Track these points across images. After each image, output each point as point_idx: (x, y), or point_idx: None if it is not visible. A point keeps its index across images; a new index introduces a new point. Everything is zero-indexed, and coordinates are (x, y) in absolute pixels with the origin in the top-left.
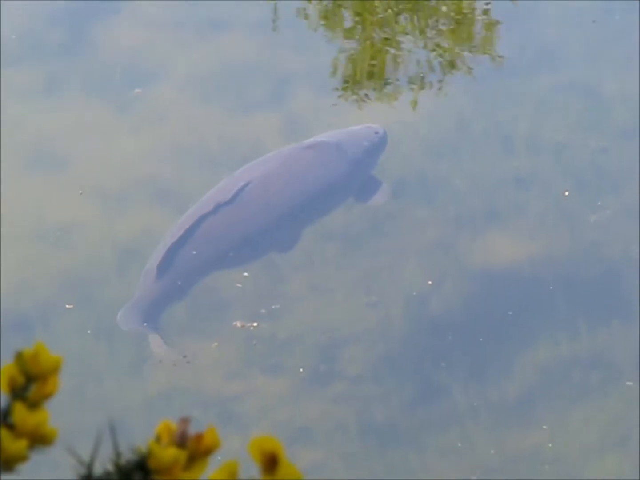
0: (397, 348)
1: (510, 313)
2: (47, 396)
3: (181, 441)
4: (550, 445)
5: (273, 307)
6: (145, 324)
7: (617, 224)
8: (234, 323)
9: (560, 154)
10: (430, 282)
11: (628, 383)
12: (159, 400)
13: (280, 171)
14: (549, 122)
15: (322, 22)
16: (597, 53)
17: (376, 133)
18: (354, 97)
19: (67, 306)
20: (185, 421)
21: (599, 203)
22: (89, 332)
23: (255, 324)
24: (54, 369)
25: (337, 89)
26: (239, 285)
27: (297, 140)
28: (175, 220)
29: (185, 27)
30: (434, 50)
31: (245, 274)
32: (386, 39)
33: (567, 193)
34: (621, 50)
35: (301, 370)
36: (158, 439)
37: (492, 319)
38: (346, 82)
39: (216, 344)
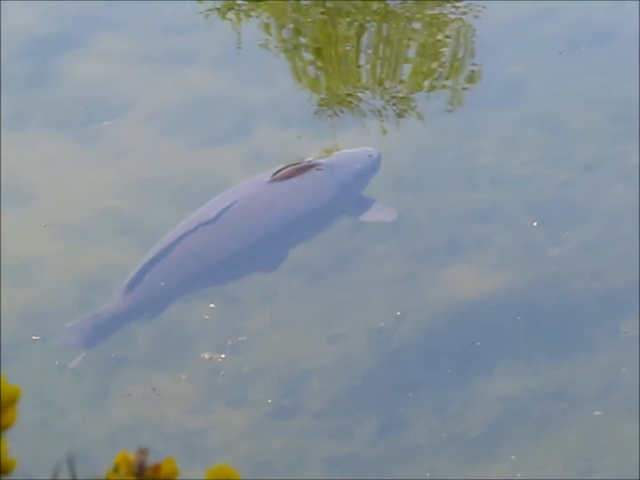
0: (360, 381)
1: (478, 344)
2: (5, 427)
3: (139, 471)
4: (519, 475)
5: (240, 338)
6: (85, 341)
7: (579, 257)
8: (202, 355)
9: (523, 188)
10: (398, 313)
11: (596, 413)
12: (124, 432)
13: (268, 191)
14: (513, 155)
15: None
16: (562, 86)
17: (370, 156)
18: (319, 129)
19: (33, 337)
20: (143, 452)
21: (563, 236)
22: (56, 362)
23: (222, 356)
24: (12, 400)
25: (301, 121)
26: (206, 316)
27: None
28: (140, 254)
29: (150, 61)
30: (398, 83)
31: (212, 305)
32: (351, 72)
33: (535, 224)
34: (586, 83)
35: (269, 401)
36: (116, 469)
37: (455, 351)
38: (312, 113)
39: (185, 376)
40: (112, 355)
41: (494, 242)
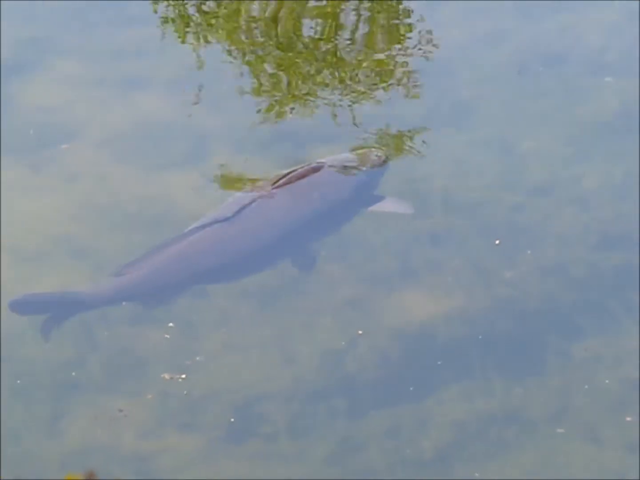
0: (313, 404)
1: (439, 363)
2: None
3: None
4: None
5: (198, 358)
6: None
7: (533, 280)
8: (162, 375)
9: (476, 211)
10: (360, 332)
11: (559, 430)
12: (77, 456)
13: (286, 190)
14: (465, 179)
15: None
16: (513, 109)
17: (377, 156)
18: (273, 154)
19: None
20: (90, 474)
21: (516, 259)
22: (18, 382)
23: (183, 376)
24: None
25: (254, 146)
26: (167, 336)
27: (213, 199)
28: (92, 278)
29: (103, 86)
30: (352, 102)
31: (171, 324)
32: (306, 94)
33: (497, 242)
34: (537, 106)
35: (232, 420)
36: None
37: (409, 375)
38: (265, 140)
39: (150, 395)
40: (74, 374)
41: (447, 265)
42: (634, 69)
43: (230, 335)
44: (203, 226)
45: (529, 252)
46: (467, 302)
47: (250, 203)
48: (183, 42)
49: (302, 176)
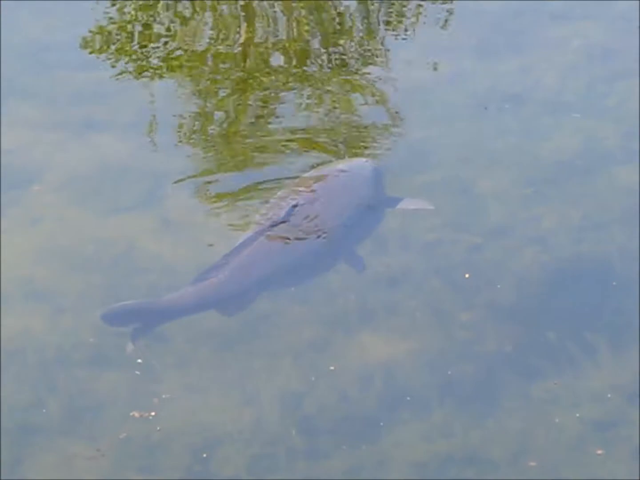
0: (272, 447)
1: (409, 398)
2: None
3: None
4: None
5: (164, 396)
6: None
7: (489, 321)
8: (132, 413)
9: (433, 252)
10: (332, 368)
11: (531, 464)
12: None
13: (322, 192)
14: (422, 219)
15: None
16: (470, 149)
17: (366, 161)
18: (230, 197)
19: None
20: None
21: (473, 300)
22: None
23: (153, 413)
24: None
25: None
26: (137, 372)
27: (175, 242)
28: (52, 320)
29: (62, 129)
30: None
31: (139, 360)
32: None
33: (467, 276)
34: (495, 146)
35: (204, 455)
36: None
37: (368, 417)
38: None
39: (124, 434)
40: (44, 411)
41: (404, 307)
42: (592, 109)
43: (188, 378)
44: (265, 228)
45: (482, 293)
46: (424, 343)
47: (293, 207)
48: (141, 84)
49: (320, 179)
